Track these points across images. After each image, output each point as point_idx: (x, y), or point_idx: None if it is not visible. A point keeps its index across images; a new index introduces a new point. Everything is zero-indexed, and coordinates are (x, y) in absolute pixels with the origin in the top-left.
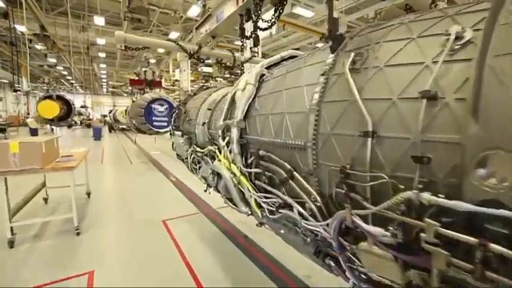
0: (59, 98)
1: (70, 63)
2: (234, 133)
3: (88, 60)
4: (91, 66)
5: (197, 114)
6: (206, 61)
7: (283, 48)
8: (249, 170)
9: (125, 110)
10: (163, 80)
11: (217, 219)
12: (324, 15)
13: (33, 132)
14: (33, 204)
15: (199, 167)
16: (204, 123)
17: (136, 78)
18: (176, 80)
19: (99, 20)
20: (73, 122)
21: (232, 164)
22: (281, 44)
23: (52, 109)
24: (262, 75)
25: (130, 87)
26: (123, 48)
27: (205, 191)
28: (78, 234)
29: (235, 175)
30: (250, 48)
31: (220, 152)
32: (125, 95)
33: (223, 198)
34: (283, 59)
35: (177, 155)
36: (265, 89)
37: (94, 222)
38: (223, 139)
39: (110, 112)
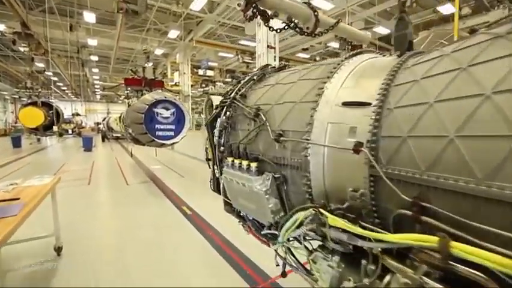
0: (45, 105)
1: (58, 67)
2: None
3: (79, 64)
4: (83, 71)
5: (311, 120)
6: (209, 63)
7: (291, 48)
8: None
9: (120, 117)
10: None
11: None
12: (343, 9)
13: (16, 143)
14: None
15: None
16: (372, 142)
17: (133, 77)
18: (175, 84)
19: (89, 17)
20: (63, 131)
21: None
22: (289, 43)
23: (36, 117)
24: None
25: (126, 90)
26: None
27: (284, 276)
28: None
29: None
30: None
31: None
32: (120, 101)
33: None
34: None
35: (226, 202)
36: None
37: None
38: None
39: (103, 120)
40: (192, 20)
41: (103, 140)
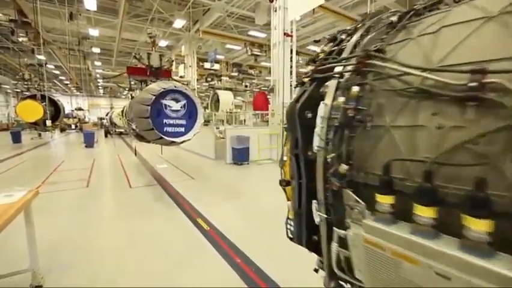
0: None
1: (59, 60)
2: None
3: (80, 56)
4: (85, 64)
5: None
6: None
7: (301, 40)
8: None
9: (122, 111)
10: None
11: None
12: None
13: (16, 138)
14: None
15: None
16: None
17: (136, 65)
18: (181, 77)
19: (90, 4)
20: (66, 126)
21: None
22: (299, 35)
23: (35, 111)
24: None
25: (129, 81)
26: None
27: None
28: None
29: None
30: None
31: None
32: (123, 96)
33: None
34: None
35: (333, 276)
36: None
37: None
38: None
39: (106, 114)
40: (199, 8)
41: (106, 136)
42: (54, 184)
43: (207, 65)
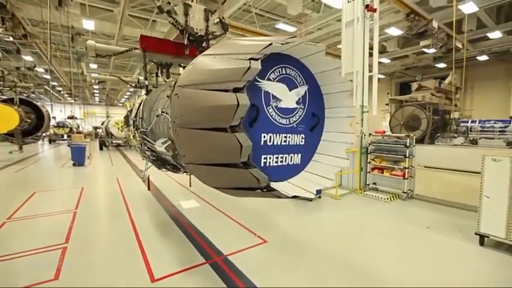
0: (26, 104)
1: (47, 59)
2: None
3: (72, 57)
4: (79, 67)
5: None
6: None
7: (336, 36)
8: None
9: (126, 117)
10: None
11: None
12: None
13: None
14: None
15: None
16: None
17: (152, 35)
18: None
19: None
20: (56, 136)
21: None
22: (331, 31)
23: (8, 119)
24: None
25: (146, 65)
26: None
27: None
28: None
29: None
30: None
31: None
32: (120, 104)
33: None
34: None
35: None
36: None
37: None
38: None
39: (102, 123)
40: None
41: (101, 148)
42: None
43: None
